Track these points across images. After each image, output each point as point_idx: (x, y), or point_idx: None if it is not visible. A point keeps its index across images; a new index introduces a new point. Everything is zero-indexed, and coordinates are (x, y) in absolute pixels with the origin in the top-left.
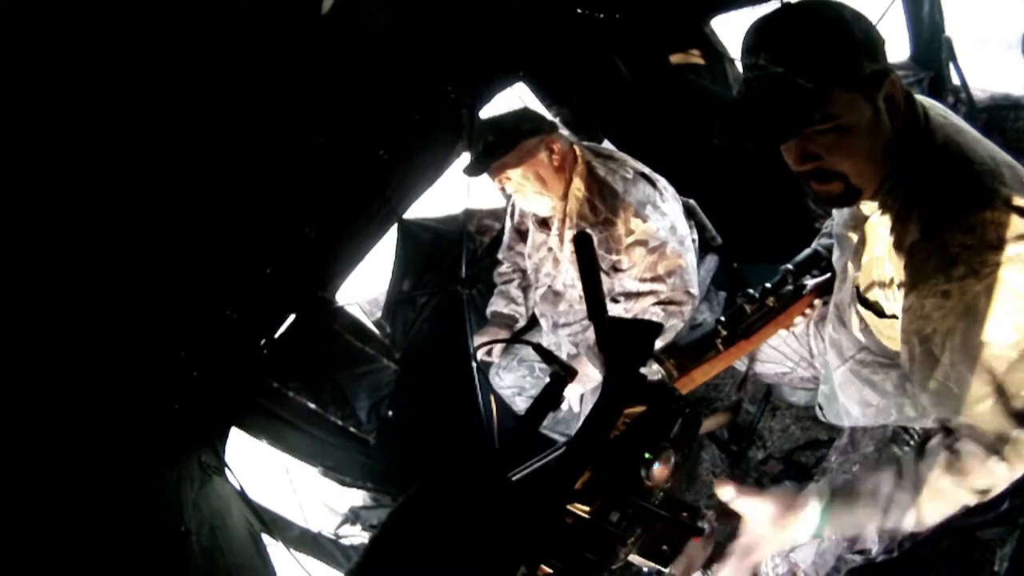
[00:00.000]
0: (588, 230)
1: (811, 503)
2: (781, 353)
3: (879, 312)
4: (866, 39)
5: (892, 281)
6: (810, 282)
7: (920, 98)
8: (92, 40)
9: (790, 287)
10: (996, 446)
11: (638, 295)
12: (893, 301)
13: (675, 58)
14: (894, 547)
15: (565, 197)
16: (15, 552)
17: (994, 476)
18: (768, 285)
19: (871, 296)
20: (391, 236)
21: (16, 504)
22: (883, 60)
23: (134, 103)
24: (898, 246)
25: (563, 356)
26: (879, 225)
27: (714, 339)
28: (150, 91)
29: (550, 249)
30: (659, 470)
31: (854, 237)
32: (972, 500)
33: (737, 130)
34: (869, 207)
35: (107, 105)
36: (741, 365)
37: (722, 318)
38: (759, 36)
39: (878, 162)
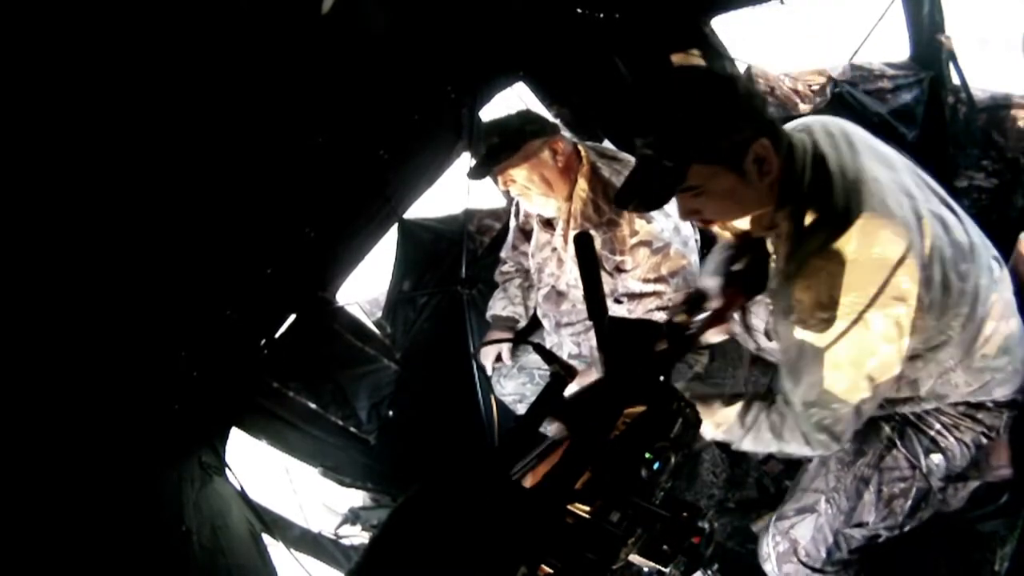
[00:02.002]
0: (592, 231)
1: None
2: None
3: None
4: (730, 115)
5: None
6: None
7: (835, 141)
8: (92, 40)
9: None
10: (807, 436)
11: (641, 296)
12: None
13: (675, 58)
14: (896, 525)
15: (570, 198)
16: (15, 552)
17: (800, 450)
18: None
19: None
20: (391, 236)
21: (16, 504)
22: (750, 129)
23: (134, 103)
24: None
25: (564, 356)
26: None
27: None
28: (150, 91)
29: (554, 249)
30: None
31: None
32: (779, 451)
33: (625, 198)
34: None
35: (107, 105)
36: (747, 342)
37: None
38: (639, 119)
39: (755, 209)
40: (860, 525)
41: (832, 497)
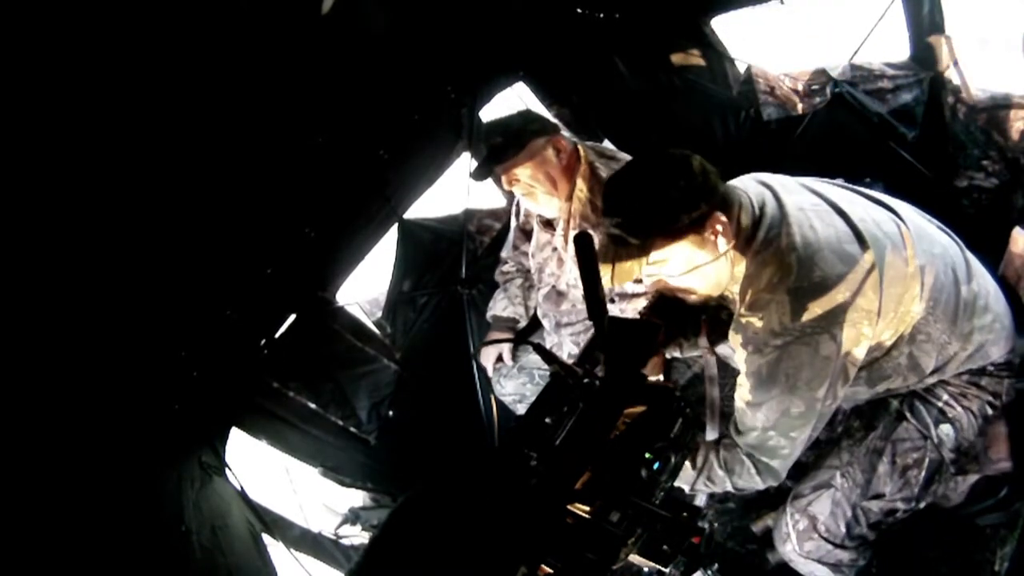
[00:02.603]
0: (590, 230)
1: None
2: None
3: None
4: (689, 193)
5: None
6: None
7: (773, 197)
8: (92, 40)
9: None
10: (758, 464)
11: (632, 296)
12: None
13: (675, 58)
14: (913, 497)
15: (570, 198)
16: (15, 552)
17: (751, 482)
18: None
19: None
20: (391, 236)
21: (17, 504)
22: (708, 204)
23: (135, 103)
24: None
25: (564, 356)
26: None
27: None
28: (151, 91)
29: (554, 249)
30: None
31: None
32: (732, 489)
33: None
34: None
35: (107, 105)
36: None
37: None
38: (606, 203)
39: (714, 271)
40: (877, 497)
41: (847, 471)
